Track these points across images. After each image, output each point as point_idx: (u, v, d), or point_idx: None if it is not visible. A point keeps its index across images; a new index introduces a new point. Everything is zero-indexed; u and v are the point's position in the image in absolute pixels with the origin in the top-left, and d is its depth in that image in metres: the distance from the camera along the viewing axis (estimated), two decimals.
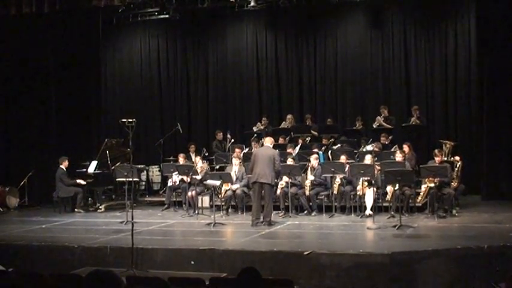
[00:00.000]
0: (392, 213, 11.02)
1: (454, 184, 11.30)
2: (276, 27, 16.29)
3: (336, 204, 11.83)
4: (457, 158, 11.82)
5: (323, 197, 11.89)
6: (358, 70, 15.50)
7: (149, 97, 17.11)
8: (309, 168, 12.09)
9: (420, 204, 11.42)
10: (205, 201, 12.65)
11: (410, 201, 11.29)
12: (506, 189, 12.87)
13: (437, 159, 11.12)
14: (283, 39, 16.26)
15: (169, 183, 13.24)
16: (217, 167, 13.78)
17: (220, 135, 15.33)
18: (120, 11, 15.59)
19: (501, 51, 12.97)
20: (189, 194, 12.43)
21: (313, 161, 12.06)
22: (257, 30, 16.40)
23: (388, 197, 11.26)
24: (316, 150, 12.95)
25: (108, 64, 17.27)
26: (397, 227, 9.94)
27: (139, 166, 14.52)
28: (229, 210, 12.36)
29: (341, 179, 11.68)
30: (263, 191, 10.70)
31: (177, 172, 12.69)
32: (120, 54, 17.40)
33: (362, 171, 10.86)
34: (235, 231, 10.74)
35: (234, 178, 12.26)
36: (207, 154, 14.72)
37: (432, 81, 14.80)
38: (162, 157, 15.14)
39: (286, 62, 16.22)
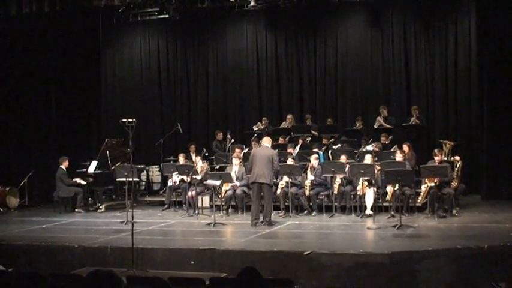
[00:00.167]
0: (393, 213, 11.03)
1: (454, 184, 11.29)
2: (276, 27, 16.29)
3: (336, 204, 11.83)
4: (457, 157, 11.82)
5: (323, 197, 11.89)
6: (358, 70, 15.49)
7: (149, 97, 17.09)
8: (309, 168, 12.09)
9: (420, 204, 11.42)
10: (205, 201, 12.65)
11: (410, 201, 11.29)
12: (506, 189, 12.86)
13: (437, 158, 11.13)
14: (283, 39, 16.25)
15: (170, 183, 13.25)
16: (218, 167, 13.78)
17: (220, 135, 15.33)
18: (120, 10, 15.58)
19: (501, 51, 12.97)
20: (189, 194, 12.43)
21: (313, 161, 12.06)
22: (257, 30, 16.39)
23: (388, 197, 11.26)
24: (316, 150, 12.94)
25: (108, 64, 17.26)
26: (397, 227, 9.95)
27: (139, 166, 14.53)
28: (230, 210, 12.36)
29: (341, 179, 11.68)
30: (262, 191, 10.71)
31: (177, 172, 12.69)
32: (120, 54, 17.39)
33: (362, 171, 10.86)
34: (235, 231, 10.73)
35: (234, 178, 12.25)
36: (207, 154, 14.72)
37: (432, 80, 14.79)
38: (162, 157, 15.14)
39: (286, 62, 16.21)
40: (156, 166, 15.47)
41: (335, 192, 11.76)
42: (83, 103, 16.24)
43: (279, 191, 11.87)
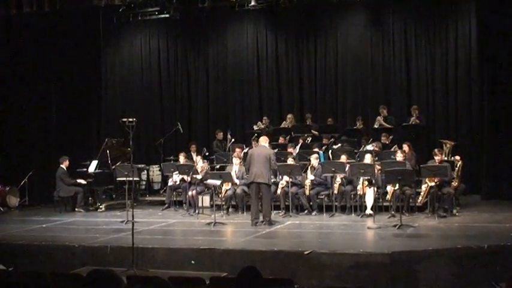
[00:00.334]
0: (393, 212, 11.03)
1: (454, 184, 11.29)
2: (277, 27, 16.28)
3: (336, 203, 11.83)
4: (458, 157, 11.81)
5: (323, 196, 11.89)
6: (358, 70, 15.49)
7: (149, 96, 17.09)
8: (310, 167, 12.09)
9: (420, 204, 11.41)
10: (205, 200, 12.65)
11: (410, 200, 11.29)
12: (506, 189, 12.87)
13: (437, 158, 11.13)
14: (283, 39, 16.25)
15: (170, 183, 13.25)
16: (218, 166, 13.79)
17: (220, 135, 15.34)
18: (120, 10, 15.59)
19: (501, 51, 12.97)
20: (190, 193, 12.44)
21: (314, 160, 12.06)
22: (257, 30, 16.39)
23: (389, 196, 11.27)
24: (316, 149, 12.94)
25: (109, 63, 17.26)
26: (397, 227, 9.95)
27: (139, 166, 14.52)
28: (230, 209, 12.37)
29: (341, 178, 11.68)
30: (260, 191, 10.70)
31: (177, 172, 12.69)
32: (120, 54, 17.38)
33: (362, 171, 10.86)
34: (235, 231, 10.74)
35: (235, 178, 12.26)
36: (207, 154, 14.72)
37: (433, 80, 14.78)
38: (162, 157, 15.15)
39: (287, 62, 16.21)
40: (157, 166, 15.48)
41: (335, 191, 11.76)
42: (83, 103, 16.24)
43: (279, 191, 11.87)
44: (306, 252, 8.29)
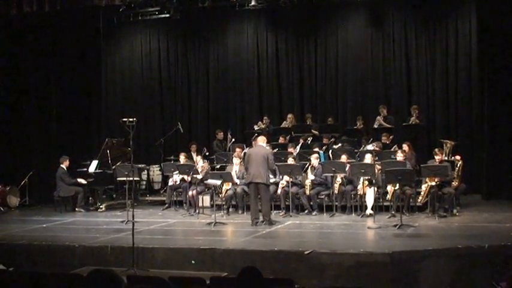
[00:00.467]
0: (393, 212, 11.03)
1: (454, 183, 11.28)
2: (277, 27, 16.28)
3: (336, 203, 11.83)
4: (458, 157, 11.81)
5: (324, 196, 11.89)
6: (358, 69, 15.49)
7: (150, 96, 17.09)
8: (310, 167, 12.09)
9: (421, 204, 11.42)
10: (206, 200, 12.65)
11: (411, 200, 11.29)
12: (506, 189, 12.86)
13: (437, 158, 11.13)
14: (283, 39, 16.25)
15: (170, 183, 13.25)
16: (218, 166, 13.78)
17: (221, 135, 15.33)
18: (120, 10, 15.58)
19: (502, 51, 12.98)
20: (190, 193, 12.44)
21: (314, 160, 12.06)
22: (258, 30, 16.39)
23: (389, 196, 11.27)
24: (316, 149, 12.95)
25: (109, 63, 17.25)
26: (397, 227, 9.95)
27: (140, 165, 14.51)
28: (230, 209, 12.37)
29: (342, 178, 11.68)
30: (259, 191, 10.69)
31: (177, 171, 12.69)
32: (120, 54, 17.38)
33: (363, 171, 10.86)
34: (235, 231, 10.74)
35: (235, 177, 12.26)
36: (207, 153, 14.72)
37: (433, 80, 14.78)
38: (162, 156, 15.14)
39: (287, 62, 16.21)
40: (157, 166, 15.48)
41: (335, 191, 11.76)
42: (83, 103, 16.24)
43: (279, 191, 11.87)
44: (306, 252, 8.29)
